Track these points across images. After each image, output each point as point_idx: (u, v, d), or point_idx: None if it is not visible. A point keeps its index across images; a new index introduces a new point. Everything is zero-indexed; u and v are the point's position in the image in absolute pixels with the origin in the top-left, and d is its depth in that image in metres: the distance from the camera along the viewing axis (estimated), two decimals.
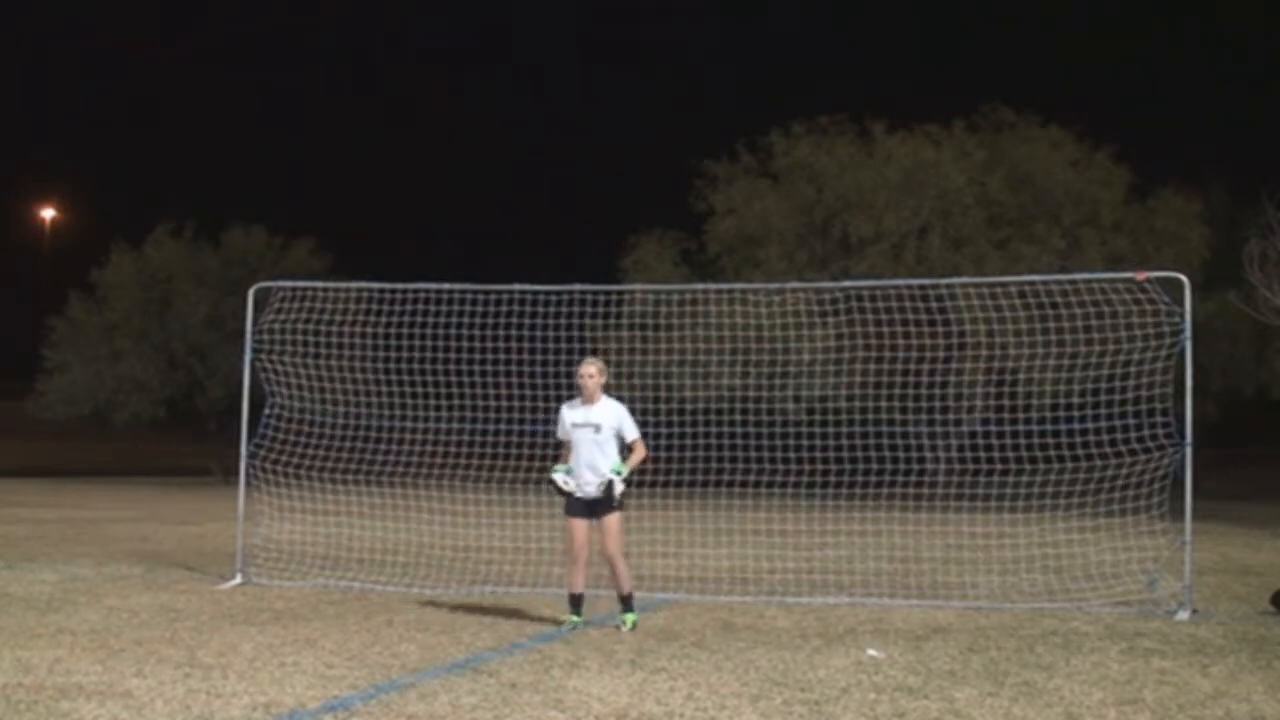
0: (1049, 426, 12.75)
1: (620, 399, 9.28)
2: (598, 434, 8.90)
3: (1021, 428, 12.80)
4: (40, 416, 37.65)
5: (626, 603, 8.94)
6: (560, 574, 11.64)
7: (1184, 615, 9.61)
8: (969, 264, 28.86)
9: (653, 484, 12.47)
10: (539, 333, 12.24)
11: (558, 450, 9.31)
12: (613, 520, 8.88)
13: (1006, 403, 14.79)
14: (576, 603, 9.03)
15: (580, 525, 8.99)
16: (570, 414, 9.07)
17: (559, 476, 8.99)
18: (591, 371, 9.04)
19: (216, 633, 8.36)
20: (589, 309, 12.19)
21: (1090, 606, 10.05)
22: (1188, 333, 10.25)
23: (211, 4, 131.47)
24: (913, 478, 18.05)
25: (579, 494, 8.94)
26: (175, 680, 6.78)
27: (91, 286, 36.90)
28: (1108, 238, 30.16)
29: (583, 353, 12.43)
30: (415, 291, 12.20)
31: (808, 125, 32.23)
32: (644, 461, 9.10)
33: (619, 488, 8.83)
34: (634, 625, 8.81)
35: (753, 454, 13.92)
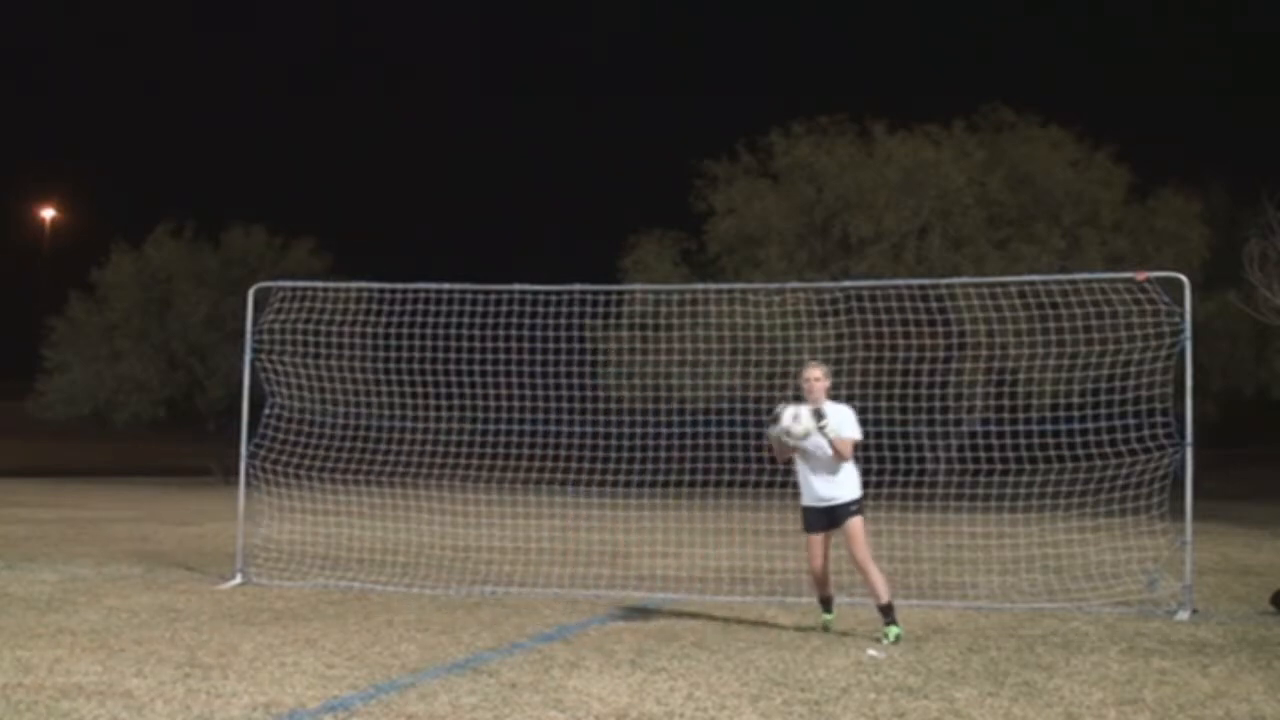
0: (1049, 426, 12.74)
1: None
2: (815, 428, 8.37)
3: (1021, 428, 12.80)
4: (40, 416, 37.62)
5: (886, 613, 8.38)
6: (560, 573, 11.67)
7: (1184, 615, 9.61)
8: (969, 264, 28.85)
9: (653, 484, 12.47)
10: (539, 333, 12.24)
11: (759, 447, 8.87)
12: (855, 525, 8.41)
13: (1006, 403, 14.77)
14: (827, 603, 8.87)
15: (817, 540, 8.55)
16: (796, 422, 8.44)
17: (788, 415, 8.33)
18: (817, 375, 8.57)
19: (216, 633, 8.36)
20: (589, 309, 12.19)
21: (1090, 606, 10.05)
22: (1188, 333, 10.25)
23: (211, 3, 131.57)
24: (913, 478, 18.02)
25: (812, 501, 8.54)
26: (175, 680, 6.78)
27: (91, 286, 36.87)
28: (1108, 238, 30.16)
29: (582, 353, 12.45)
30: (415, 291, 12.20)
31: (808, 125, 32.25)
32: (841, 451, 8.45)
33: (825, 421, 8.30)
34: (897, 639, 8.21)
35: (753, 454, 13.91)
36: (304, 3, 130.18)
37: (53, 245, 62.45)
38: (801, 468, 8.62)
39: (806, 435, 8.38)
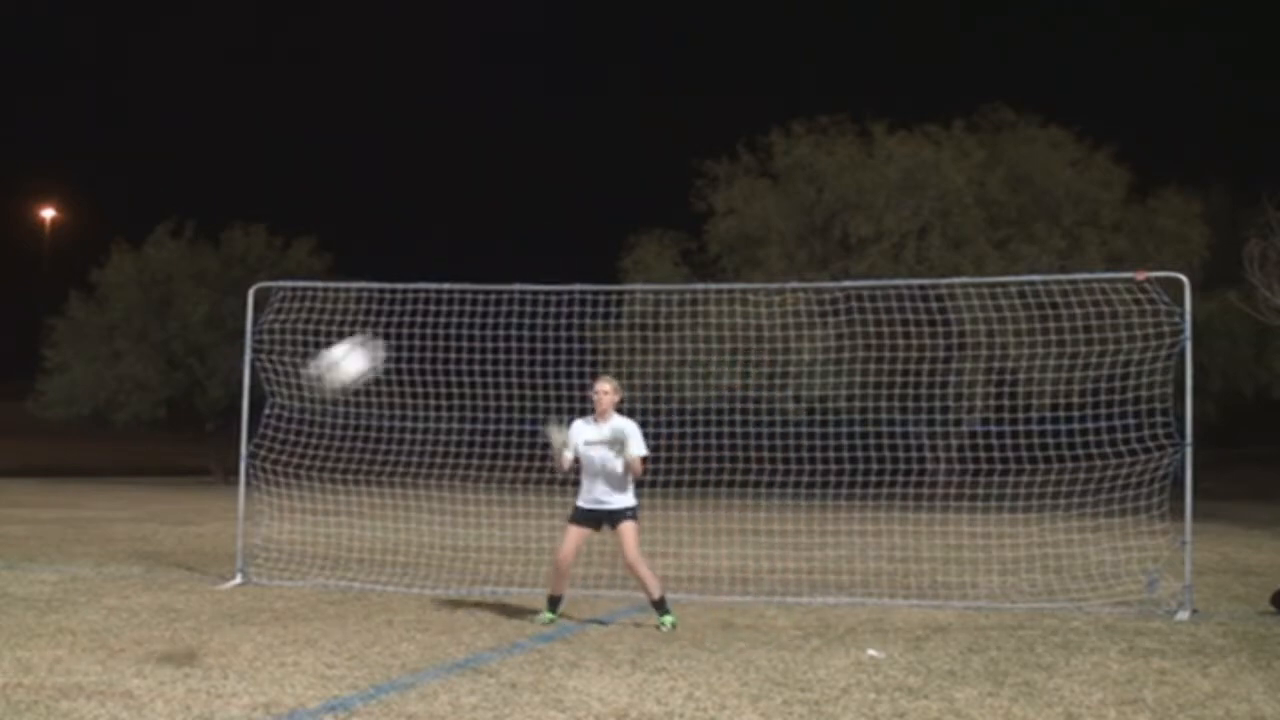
0: (1049, 426, 12.75)
1: (631, 415, 9.27)
2: (609, 449, 8.91)
3: (1021, 428, 12.80)
4: (40, 416, 37.57)
5: (660, 606, 8.92)
6: None
7: (1184, 615, 9.62)
8: (969, 264, 28.81)
9: (653, 484, 12.45)
10: (539, 333, 12.24)
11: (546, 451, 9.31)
12: (627, 528, 8.88)
13: (1006, 403, 14.79)
14: (554, 603, 9.17)
15: (576, 534, 8.99)
16: (584, 430, 9.05)
17: (552, 428, 9.02)
18: (606, 389, 9.06)
19: (216, 633, 8.37)
20: (589, 309, 12.19)
21: (1090, 606, 10.05)
22: (1188, 333, 10.25)
23: (212, 4, 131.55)
24: (913, 478, 18.03)
25: (589, 504, 8.98)
26: (175, 680, 6.78)
27: (91, 286, 36.81)
28: (1108, 238, 30.12)
29: (582, 353, 12.44)
30: (415, 291, 12.20)
31: (808, 125, 32.19)
32: (634, 470, 8.95)
33: (630, 447, 8.79)
34: (673, 625, 8.78)
35: (753, 454, 13.92)
36: (303, 2, 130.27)
37: (53, 245, 62.46)
38: (585, 474, 9.02)
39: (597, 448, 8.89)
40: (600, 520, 8.97)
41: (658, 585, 9.00)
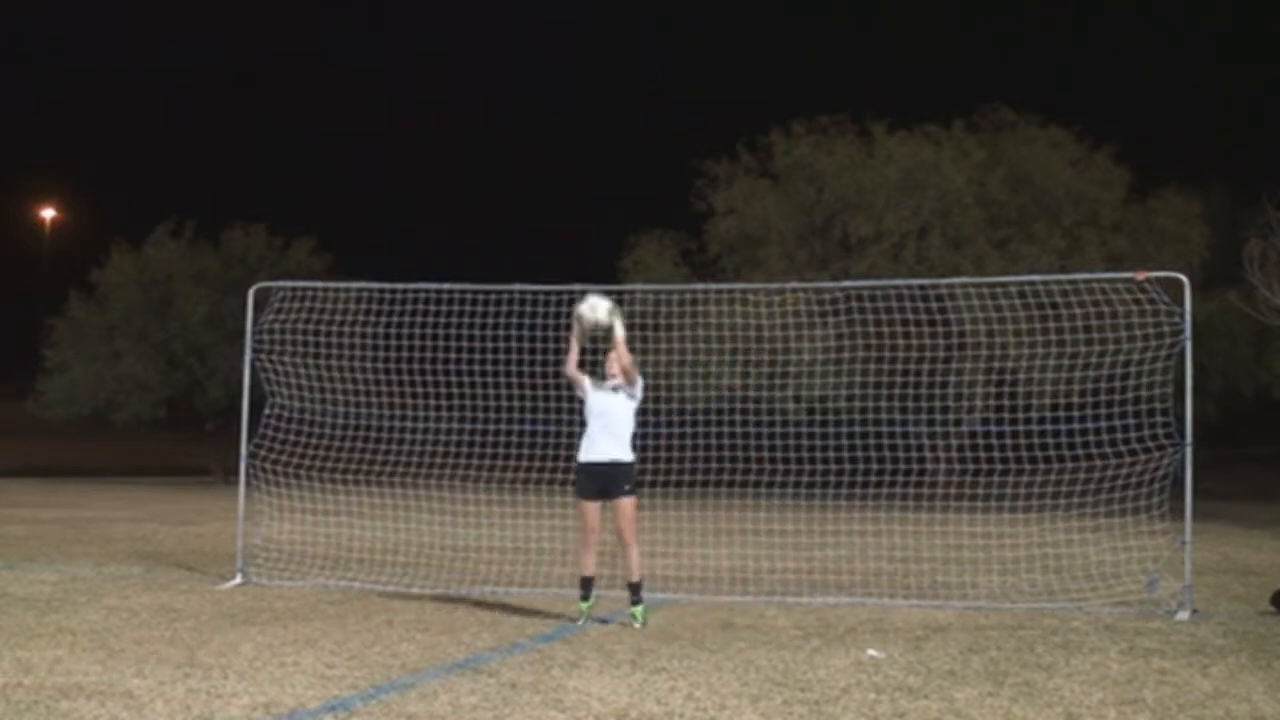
0: (1049, 426, 12.75)
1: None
2: (620, 407, 9.20)
3: (1021, 428, 12.80)
4: (40, 416, 37.56)
5: (635, 591, 9.06)
6: (560, 574, 11.66)
7: (1184, 615, 9.61)
8: (969, 264, 28.79)
9: (653, 484, 12.46)
10: (539, 333, 12.23)
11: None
12: (627, 503, 9.07)
13: (1006, 403, 14.79)
14: (587, 585, 9.20)
15: (592, 507, 9.16)
16: (593, 386, 9.37)
17: (585, 308, 9.33)
18: (614, 370, 9.36)
19: (216, 633, 8.37)
20: None
21: (1090, 606, 10.05)
22: (1188, 333, 10.24)
23: (211, 4, 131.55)
24: (913, 478, 18.04)
25: (593, 457, 9.12)
26: (175, 680, 6.78)
27: (91, 286, 36.80)
28: (1108, 238, 30.10)
29: (582, 352, 12.44)
30: (415, 291, 12.20)
31: (808, 125, 32.17)
32: (623, 355, 9.20)
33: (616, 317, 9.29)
34: (644, 619, 8.93)
35: (753, 454, 13.92)
36: (302, 2, 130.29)
37: (53, 245, 62.47)
38: (591, 423, 9.22)
39: (601, 325, 9.33)
40: (605, 481, 9.06)
41: (639, 568, 9.14)
